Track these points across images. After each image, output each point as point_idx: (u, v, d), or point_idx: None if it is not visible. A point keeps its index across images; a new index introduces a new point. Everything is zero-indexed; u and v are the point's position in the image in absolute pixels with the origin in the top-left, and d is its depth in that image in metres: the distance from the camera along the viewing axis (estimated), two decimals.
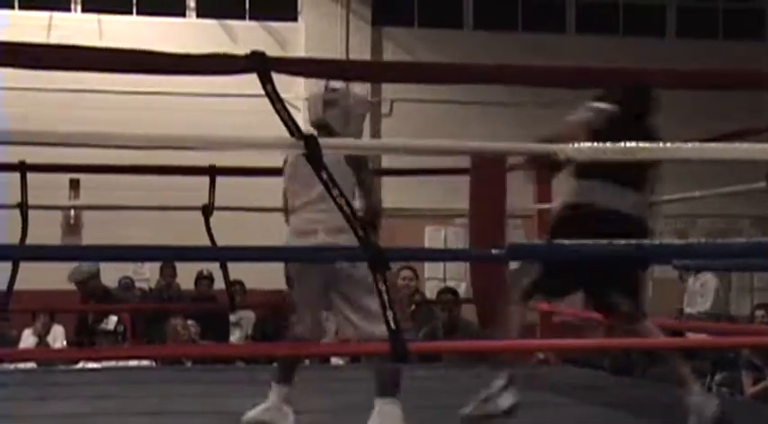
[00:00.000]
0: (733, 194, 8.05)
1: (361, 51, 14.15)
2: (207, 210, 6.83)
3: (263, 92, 2.84)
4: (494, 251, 3.20)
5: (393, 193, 13.75)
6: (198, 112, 12.83)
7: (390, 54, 14.52)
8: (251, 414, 4.96)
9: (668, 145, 3.14)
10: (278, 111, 2.72)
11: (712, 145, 3.82)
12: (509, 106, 13.87)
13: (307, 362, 9.88)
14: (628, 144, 3.23)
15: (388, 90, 14.44)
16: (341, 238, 4.23)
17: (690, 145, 3.38)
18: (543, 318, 7.63)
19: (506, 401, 4.64)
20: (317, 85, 4.96)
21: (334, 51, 13.77)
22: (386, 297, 2.50)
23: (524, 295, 4.69)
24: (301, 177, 4.59)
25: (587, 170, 4.46)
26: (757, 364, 8.49)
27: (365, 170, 4.73)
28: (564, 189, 4.72)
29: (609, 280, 4.67)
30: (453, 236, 13.83)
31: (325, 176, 2.51)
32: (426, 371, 7.21)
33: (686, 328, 8.53)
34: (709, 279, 11.42)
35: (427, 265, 14.00)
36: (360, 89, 5.11)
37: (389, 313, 2.49)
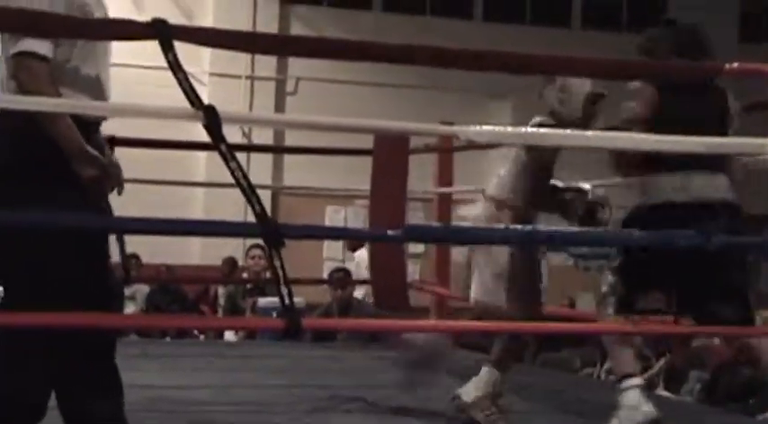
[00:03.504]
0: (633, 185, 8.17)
1: (268, 28, 14.03)
2: None
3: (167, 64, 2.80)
4: (390, 232, 3.19)
5: (295, 172, 13.78)
6: None
7: (298, 32, 14.46)
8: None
9: (567, 132, 3.17)
10: (179, 81, 2.68)
11: (613, 134, 3.86)
12: (414, 89, 13.92)
13: (202, 337, 9.88)
14: (529, 129, 3.25)
15: (295, 68, 14.39)
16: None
17: (590, 133, 3.42)
18: (438, 301, 7.67)
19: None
20: None
21: (242, 27, 13.65)
22: (281, 273, 2.49)
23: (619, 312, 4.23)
24: None
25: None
26: (645, 353, 8.66)
27: None
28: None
29: (704, 282, 4.06)
30: (353, 216, 13.85)
31: (223, 148, 2.49)
32: (319, 350, 7.23)
33: (579, 317, 8.65)
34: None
35: (326, 245, 14.02)
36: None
37: (284, 289, 2.48)
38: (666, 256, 3.93)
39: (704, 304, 4.10)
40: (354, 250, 12.05)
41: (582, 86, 4.60)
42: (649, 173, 4.10)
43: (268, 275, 9.47)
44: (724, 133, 4.13)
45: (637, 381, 4.16)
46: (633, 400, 4.11)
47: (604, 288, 4.38)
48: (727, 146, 3.73)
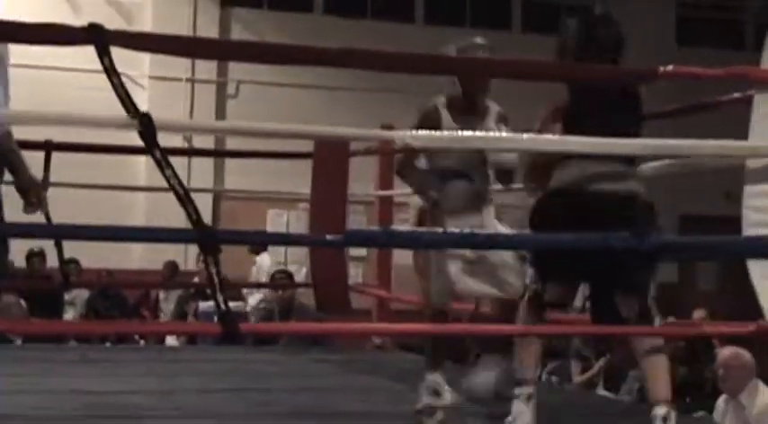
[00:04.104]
0: None
1: (208, 31, 14.01)
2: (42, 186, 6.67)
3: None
4: (329, 237, 3.20)
5: (236, 175, 13.73)
6: (35, 85, 12.51)
7: (238, 35, 14.44)
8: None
9: (502, 134, 3.20)
10: (115, 87, 2.67)
11: (543, 136, 3.89)
12: (354, 91, 13.93)
13: (142, 342, 9.82)
14: (464, 133, 3.28)
15: (235, 71, 14.34)
16: None
17: (525, 136, 3.46)
18: (379, 303, 7.70)
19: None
20: None
21: (182, 30, 13.59)
22: (216, 279, 2.49)
23: (534, 309, 4.19)
24: None
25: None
26: (585, 354, 8.74)
27: None
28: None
29: (606, 279, 4.07)
30: (296, 220, 13.83)
31: (158, 155, 2.48)
32: (261, 354, 7.21)
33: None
34: None
35: (269, 248, 13.98)
36: None
37: (219, 296, 2.48)
38: (574, 251, 3.88)
39: (604, 301, 4.13)
40: (257, 253, 12.06)
41: None
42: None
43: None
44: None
45: (527, 390, 4.17)
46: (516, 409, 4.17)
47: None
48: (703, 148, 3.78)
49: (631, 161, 4.12)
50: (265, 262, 11.95)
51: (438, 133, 3.21)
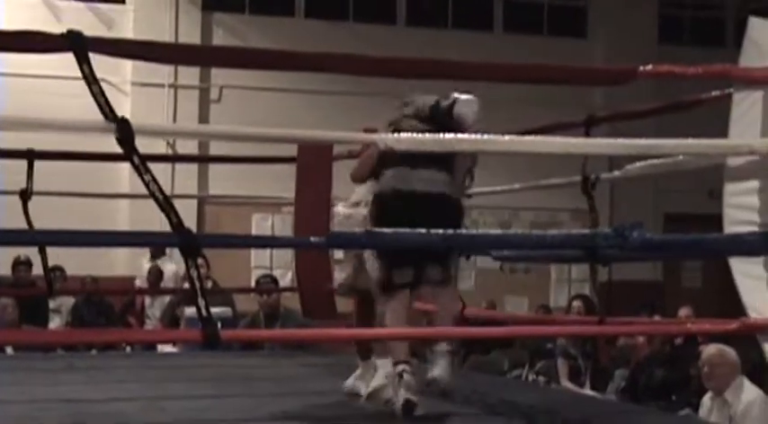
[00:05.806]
0: (554, 187, 8.27)
1: (190, 36, 13.95)
2: (25, 195, 6.67)
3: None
4: (312, 239, 3.21)
5: (220, 180, 13.72)
6: (16, 94, 12.46)
7: (220, 40, 14.38)
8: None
9: (483, 137, 3.20)
10: (93, 94, 2.67)
11: (526, 138, 3.91)
12: (337, 95, 13.92)
13: (128, 349, 9.79)
14: (445, 135, 3.29)
15: (218, 76, 14.31)
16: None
17: (506, 137, 3.46)
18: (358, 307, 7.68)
19: None
20: None
21: (163, 35, 13.55)
22: (198, 284, 2.49)
23: (387, 290, 4.84)
24: None
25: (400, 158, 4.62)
26: (572, 353, 8.75)
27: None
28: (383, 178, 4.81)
29: (426, 253, 4.78)
30: (281, 224, 13.81)
31: (136, 161, 2.48)
32: (248, 359, 7.21)
33: (506, 318, 8.77)
34: None
35: (254, 253, 13.95)
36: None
37: (201, 301, 2.48)
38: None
39: (423, 270, 4.82)
40: (155, 257, 12.05)
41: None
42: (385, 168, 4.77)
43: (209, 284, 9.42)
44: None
45: (400, 367, 4.76)
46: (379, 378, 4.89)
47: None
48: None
49: (446, 168, 4.70)
50: (167, 266, 11.93)
51: (420, 136, 3.22)
